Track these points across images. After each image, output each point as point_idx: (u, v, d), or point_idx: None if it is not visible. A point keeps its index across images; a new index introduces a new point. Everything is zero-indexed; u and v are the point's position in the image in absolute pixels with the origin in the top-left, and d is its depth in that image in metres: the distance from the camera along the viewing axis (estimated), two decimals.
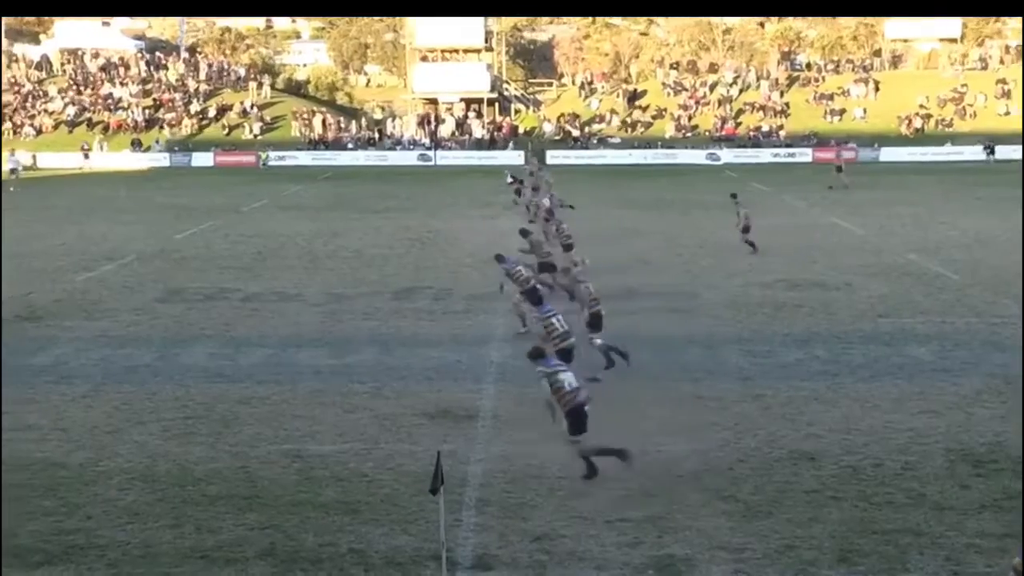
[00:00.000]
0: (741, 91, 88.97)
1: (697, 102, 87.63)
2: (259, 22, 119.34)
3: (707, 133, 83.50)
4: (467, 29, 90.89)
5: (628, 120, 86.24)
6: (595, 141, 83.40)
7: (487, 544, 12.58)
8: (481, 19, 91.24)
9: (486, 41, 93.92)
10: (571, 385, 14.53)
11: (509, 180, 43.98)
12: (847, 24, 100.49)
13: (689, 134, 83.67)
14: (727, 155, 78.20)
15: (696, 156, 77.92)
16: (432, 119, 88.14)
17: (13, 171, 68.80)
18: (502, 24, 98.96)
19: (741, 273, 30.44)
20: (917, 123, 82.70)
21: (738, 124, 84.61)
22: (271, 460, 15.47)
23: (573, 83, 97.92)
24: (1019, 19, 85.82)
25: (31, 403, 18.58)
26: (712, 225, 38.91)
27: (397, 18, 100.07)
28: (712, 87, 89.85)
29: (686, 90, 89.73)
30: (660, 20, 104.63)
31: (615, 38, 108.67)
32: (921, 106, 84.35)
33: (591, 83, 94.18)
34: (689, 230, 39.35)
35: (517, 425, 16.99)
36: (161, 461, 15.53)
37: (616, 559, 12.21)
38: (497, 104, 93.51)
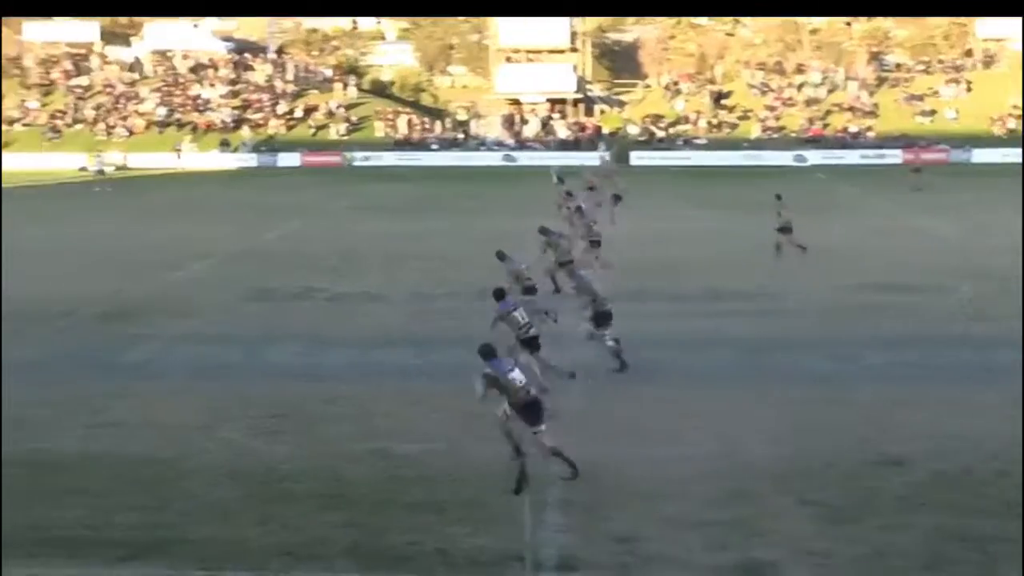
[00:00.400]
0: (829, 92, 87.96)
1: (784, 103, 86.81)
2: (345, 23, 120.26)
3: (794, 134, 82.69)
4: (552, 30, 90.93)
5: (713, 121, 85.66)
6: (680, 142, 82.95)
7: (571, 545, 12.55)
8: (566, 20, 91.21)
9: (571, 42, 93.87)
10: (521, 382, 14.67)
11: (556, 180, 44.05)
12: (938, 24, 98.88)
13: (775, 135, 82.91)
14: (814, 156, 77.31)
15: (783, 158, 77.16)
16: (516, 120, 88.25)
17: (100, 172, 70.23)
18: (586, 24, 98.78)
19: (828, 275, 30.07)
20: (1011, 124, 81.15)
21: (826, 125, 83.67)
22: (357, 459, 15.56)
23: (658, 84, 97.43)
24: None
25: (121, 399, 18.90)
26: (798, 227, 38.42)
27: (481, 19, 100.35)
28: (799, 88, 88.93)
29: (772, 91, 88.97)
30: (746, 20, 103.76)
31: (700, 38, 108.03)
32: (1015, 106, 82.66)
33: (676, 84, 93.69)
34: (775, 232, 38.84)
35: (599, 424, 16.96)
36: (248, 458, 15.71)
37: (701, 562, 12.14)
38: (582, 105, 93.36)
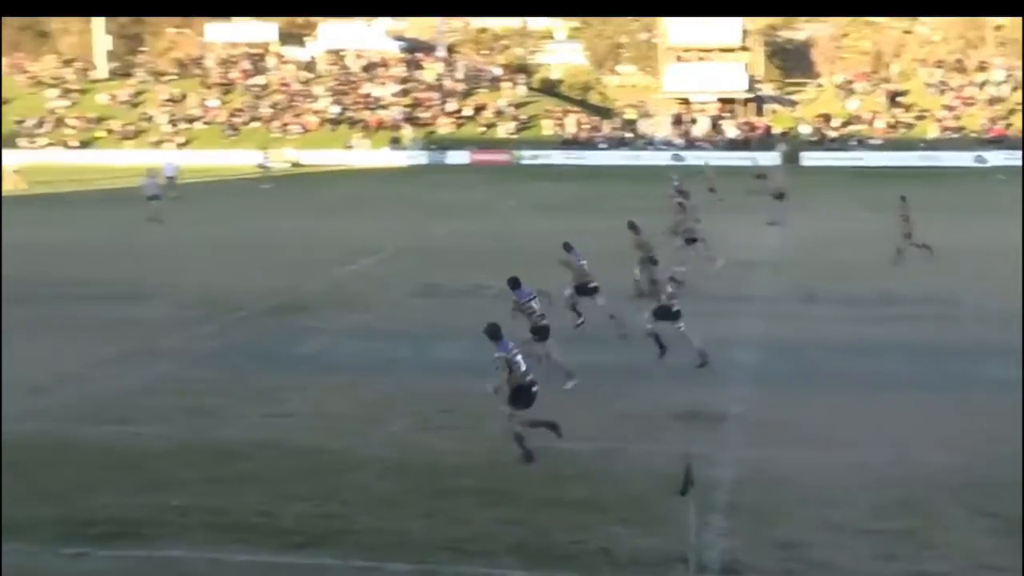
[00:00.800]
0: (1013, 90, 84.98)
1: (963, 102, 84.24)
2: (515, 22, 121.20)
3: (974, 135, 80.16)
4: (723, 28, 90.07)
5: (890, 121, 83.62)
6: (853, 142, 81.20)
7: (735, 549, 12.40)
8: (738, 19, 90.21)
9: (742, 40, 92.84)
10: (523, 367, 15.46)
11: (675, 181, 43.70)
12: None
13: (954, 135, 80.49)
14: (995, 157, 74.75)
15: (962, 159, 74.83)
16: (686, 119, 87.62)
17: (266, 168, 72.34)
18: (758, 23, 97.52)
19: (1006, 280, 29.08)
20: None
21: (1008, 125, 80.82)
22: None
23: (831, 83, 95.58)
24: None
25: (294, 391, 19.35)
26: (978, 230, 37.33)
27: (651, 18, 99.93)
28: (981, 86, 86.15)
29: (952, 89, 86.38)
30: (924, 18, 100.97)
31: (875, 36, 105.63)
32: None
33: (850, 83, 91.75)
34: (952, 235, 37.67)
35: (767, 428, 16.74)
36: (415, 452, 15.91)
37: (869, 572, 11.87)
38: (752, 104, 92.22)
